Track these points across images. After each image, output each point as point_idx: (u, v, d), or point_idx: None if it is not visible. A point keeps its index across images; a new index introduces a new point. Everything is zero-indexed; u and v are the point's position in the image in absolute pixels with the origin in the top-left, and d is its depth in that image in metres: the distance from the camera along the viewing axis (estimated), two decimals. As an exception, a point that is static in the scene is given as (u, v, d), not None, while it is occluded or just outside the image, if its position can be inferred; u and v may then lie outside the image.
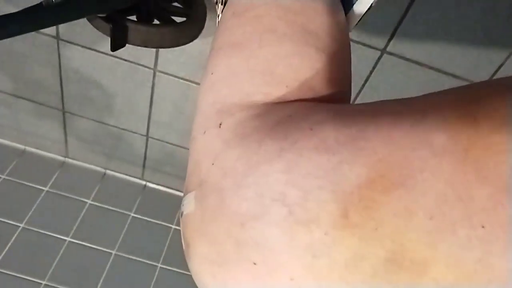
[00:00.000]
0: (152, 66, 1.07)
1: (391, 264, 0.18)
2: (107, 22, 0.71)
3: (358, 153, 0.20)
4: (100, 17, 0.71)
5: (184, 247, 0.27)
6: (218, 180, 0.24)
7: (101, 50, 1.06)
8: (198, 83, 1.09)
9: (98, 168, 1.42)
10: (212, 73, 0.29)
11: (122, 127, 1.27)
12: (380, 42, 0.93)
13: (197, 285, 0.26)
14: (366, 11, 0.33)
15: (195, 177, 0.26)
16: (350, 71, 0.32)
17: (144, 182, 1.45)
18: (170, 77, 1.08)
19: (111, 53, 1.06)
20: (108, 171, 1.43)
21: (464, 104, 0.19)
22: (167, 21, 0.81)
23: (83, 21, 1.00)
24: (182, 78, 1.08)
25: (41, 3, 0.65)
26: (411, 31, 0.89)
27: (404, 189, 0.18)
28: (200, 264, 0.24)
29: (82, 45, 1.06)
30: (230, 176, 0.23)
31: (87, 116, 1.26)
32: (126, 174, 1.44)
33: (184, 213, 0.26)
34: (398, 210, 0.18)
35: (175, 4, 0.86)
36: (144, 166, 1.40)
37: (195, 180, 0.26)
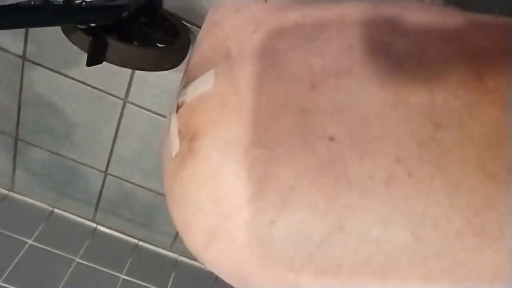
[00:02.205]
0: (122, 96, 1.01)
1: None
2: (87, 35, 0.67)
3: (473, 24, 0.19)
4: (81, 29, 0.67)
5: (176, 147, 0.22)
6: (266, 44, 0.19)
7: (70, 75, 1.00)
8: (169, 118, 1.04)
9: (45, 206, 1.29)
10: None
11: (79, 161, 1.18)
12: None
13: (191, 206, 0.21)
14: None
15: (217, 54, 0.22)
16: None
17: (94, 225, 1.33)
18: (141, 109, 1.03)
19: (80, 79, 1.01)
20: (56, 210, 1.30)
21: None
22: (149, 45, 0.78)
23: (54, 42, 0.95)
24: (153, 112, 1.03)
25: (18, 3, 0.61)
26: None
27: None
28: (221, 154, 0.18)
29: (50, 67, 0.99)
30: (293, 35, 0.19)
31: (41, 146, 1.16)
32: (76, 215, 1.31)
33: (190, 98, 0.21)
34: None
35: (160, 32, 0.84)
36: (97, 207, 1.29)
37: (217, 56, 0.22)
